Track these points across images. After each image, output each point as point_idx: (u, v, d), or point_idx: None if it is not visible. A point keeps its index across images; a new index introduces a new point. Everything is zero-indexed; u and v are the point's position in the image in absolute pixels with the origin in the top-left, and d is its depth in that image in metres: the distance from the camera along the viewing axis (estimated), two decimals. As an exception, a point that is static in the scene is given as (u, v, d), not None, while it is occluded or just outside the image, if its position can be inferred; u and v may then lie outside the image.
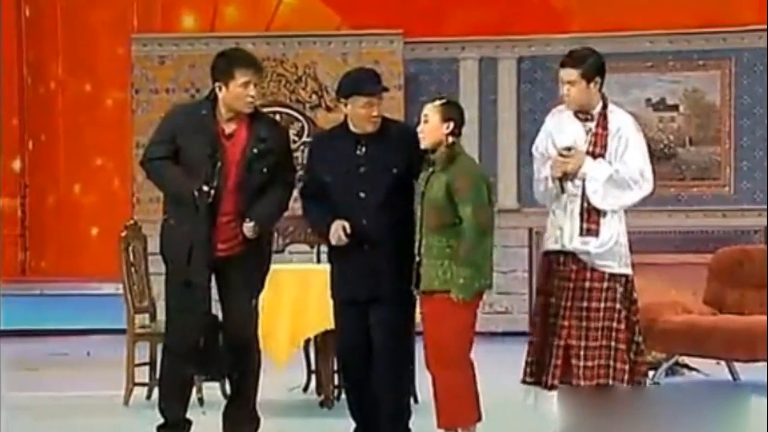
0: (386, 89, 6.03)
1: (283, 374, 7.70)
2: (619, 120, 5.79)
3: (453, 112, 5.81)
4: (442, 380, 5.74)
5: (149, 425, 6.18)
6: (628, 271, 5.78)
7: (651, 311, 8.23)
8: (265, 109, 12.06)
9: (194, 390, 7.25)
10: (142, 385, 7.71)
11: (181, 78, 11.99)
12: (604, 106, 5.81)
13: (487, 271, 5.73)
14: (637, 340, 5.77)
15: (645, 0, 12.09)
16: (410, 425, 6.09)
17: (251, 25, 12.88)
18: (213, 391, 7.54)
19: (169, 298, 6.07)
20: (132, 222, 8.20)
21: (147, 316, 7.95)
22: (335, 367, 7.62)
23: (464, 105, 6.09)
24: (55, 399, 8.18)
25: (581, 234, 5.72)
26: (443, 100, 5.90)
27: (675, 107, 11.96)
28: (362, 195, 5.92)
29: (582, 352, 5.68)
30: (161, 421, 6.13)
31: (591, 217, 5.72)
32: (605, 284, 5.71)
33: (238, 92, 5.91)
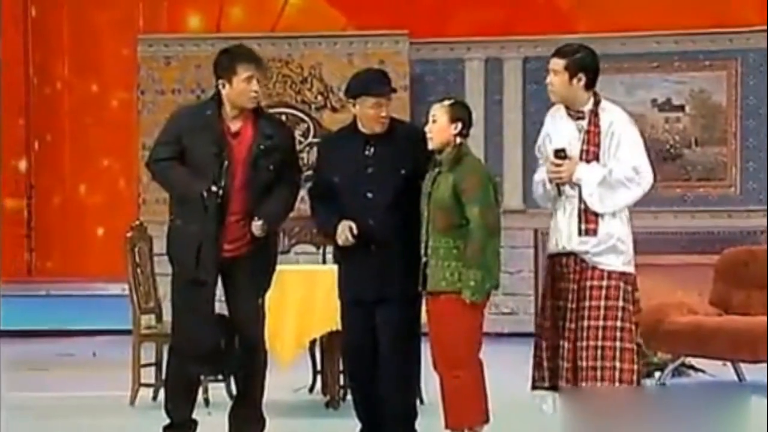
0: (394, 90, 6.04)
1: (288, 375, 7.71)
2: (611, 116, 5.73)
3: (461, 113, 5.81)
4: (450, 381, 5.74)
5: (155, 426, 6.19)
6: (631, 269, 5.73)
7: (657, 312, 8.22)
8: (271, 110, 12.13)
9: (201, 390, 7.30)
10: (148, 385, 7.72)
11: (187, 79, 12.00)
12: (596, 104, 5.75)
13: (496, 272, 5.73)
14: (637, 340, 5.74)
15: (651, 0, 12.09)
16: (416, 426, 6.09)
17: (257, 25, 12.89)
18: (219, 392, 7.55)
19: (176, 298, 6.06)
20: (138, 223, 8.21)
21: (153, 316, 7.95)
22: (341, 368, 7.63)
23: (470, 105, 6.08)
24: (61, 399, 8.19)
25: (579, 234, 5.70)
26: (451, 101, 5.89)
27: (681, 108, 11.94)
28: (369, 195, 5.93)
29: (585, 353, 5.64)
30: (167, 421, 6.13)
31: (589, 217, 5.69)
32: (605, 282, 5.66)
33: (242, 88, 5.91)
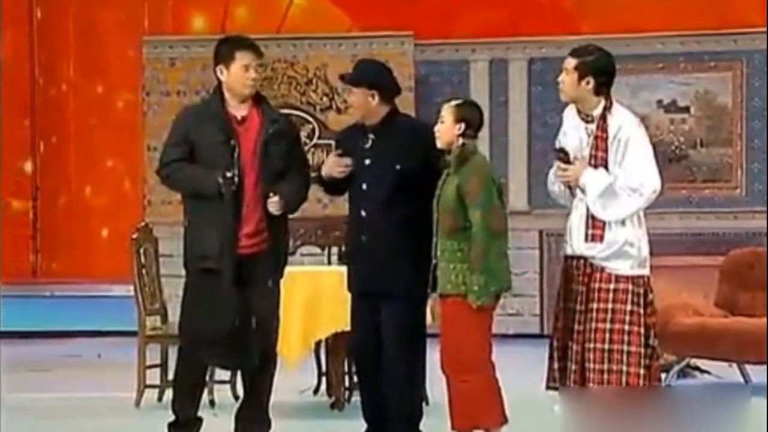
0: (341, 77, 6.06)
1: (293, 376, 7.70)
2: (618, 122, 5.68)
3: (466, 114, 5.78)
4: (458, 384, 5.71)
5: (160, 427, 6.19)
6: (643, 272, 5.68)
7: (662, 313, 8.17)
8: (276, 111, 12.18)
9: (206, 391, 7.30)
10: (154, 387, 7.72)
11: (192, 80, 12.00)
12: (606, 108, 5.71)
13: (503, 274, 5.69)
14: (652, 343, 5.70)
15: (656, 1, 12.08)
16: (421, 426, 6.08)
17: (262, 26, 12.88)
18: (224, 393, 7.55)
19: (192, 292, 5.99)
20: (143, 224, 8.21)
21: (158, 318, 7.96)
22: (346, 369, 7.63)
23: (475, 107, 6.05)
24: (66, 400, 8.19)
25: (586, 240, 5.68)
26: (460, 101, 5.87)
27: (686, 109, 11.93)
28: (364, 187, 5.96)
29: (592, 355, 5.63)
30: (172, 418, 6.13)
31: (596, 222, 5.65)
32: (613, 285, 5.63)
33: (240, 74, 5.97)
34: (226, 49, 6.03)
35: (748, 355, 8.17)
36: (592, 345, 5.63)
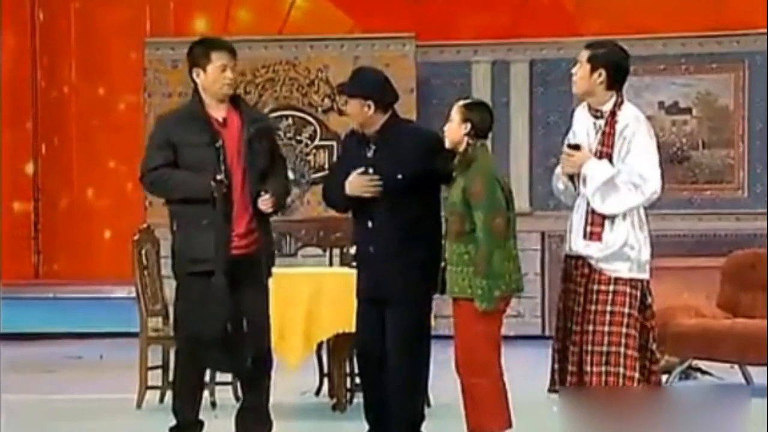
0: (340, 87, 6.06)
1: (295, 377, 7.70)
2: (626, 119, 5.66)
3: (473, 114, 5.74)
4: (468, 386, 5.71)
5: (162, 428, 6.18)
6: (642, 275, 5.65)
7: (664, 315, 8.19)
8: (278, 113, 12.19)
9: (207, 393, 7.30)
10: (155, 388, 7.72)
11: (194, 82, 11.99)
12: (616, 105, 5.69)
13: (511, 277, 5.65)
14: (651, 347, 5.69)
15: (658, 3, 12.08)
16: (423, 429, 6.08)
17: (264, 28, 12.89)
18: (225, 395, 7.55)
19: (185, 294, 6.01)
20: (145, 225, 8.21)
21: (160, 319, 7.95)
22: (347, 371, 7.63)
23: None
24: (68, 402, 8.19)
25: (584, 237, 5.66)
26: (469, 100, 5.84)
27: (688, 110, 11.93)
28: (366, 198, 5.93)
29: (590, 357, 5.62)
30: (174, 422, 6.13)
31: (595, 220, 5.62)
32: (611, 287, 5.61)
33: (216, 75, 5.97)
34: (201, 51, 6.02)
35: (750, 357, 8.16)
36: (590, 347, 5.62)
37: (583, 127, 5.74)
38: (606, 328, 5.61)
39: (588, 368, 5.61)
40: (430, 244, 5.85)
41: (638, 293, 5.65)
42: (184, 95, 12.03)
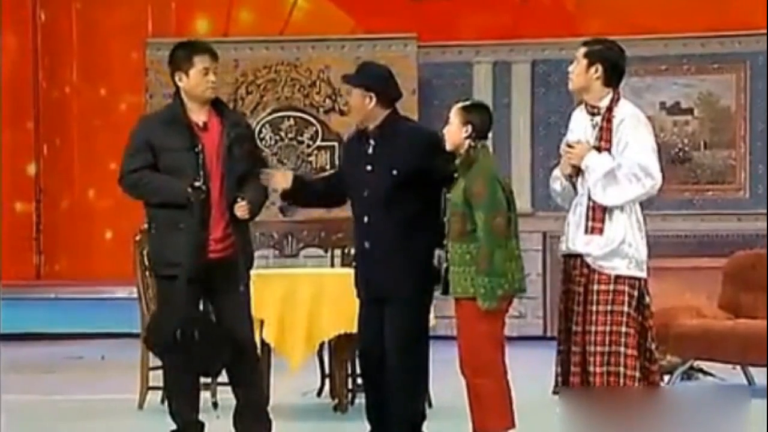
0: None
1: (296, 378, 7.70)
2: (623, 113, 5.68)
3: (473, 115, 5.74)
4: (472, 386, 5.71)
5: (163, 429, 6.19)
6: (640, 274, 5.67)
7: (665, 315, 8.20)
8: (279, 114, 12.20)
9: (209, 394, 7.30)
10: (156, 388, 7.71)
11: (195, 82, 11.99)
12: (613, 101, 5.71)
13: (513, 277, 5.64)
14: (649, 346, 5.70)
15: (659, 3, 12.08)
16: (425, 429, 6.07)
17: (265, 29, 12.89)
18: (227, 395, 7.54)
19: (161, 296, 6.07)
20: (145, 226, 8.19)
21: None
22: (349, 371, 7.62)
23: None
24: (70, 402, 8.19)
25: (585, 232, 5.66)
26: (467, 102, 5.84)
27: (689, 111, 11.93)
28: (365, 194, 5.95)
29: (592, 358, 5.62)
30: (174, 426, 6.13)
31: (596, 214, 5.64)
32: (611, 287, 5.62)
33: (199, 79, 5.96)
34: (183, 55, 6.01)
35: (752, 358, 8.15)
36: (593, 348, 5.63)
37: (581, 127, 5.76)
38: (607, 328, 5.62)
39: (591, 368, 5.62)
40: (427, 243, 5.84)
41: (636, 293, 5.67)
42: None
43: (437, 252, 5.85)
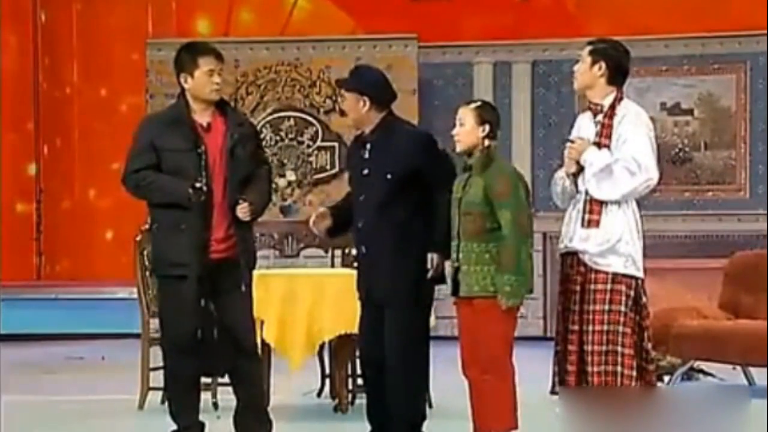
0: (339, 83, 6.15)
1: (297, 379, 7.71)
2: (624, 111, 5.71)
3: (489, 115, 5.74)
4: (477, 382, 5.69)
5: (163, 429, 6.19)
6: (637, 273, 5.68)
7: (666, 316, 8.20)
8: (279, 114, 12.21)
9: (210, 394, 7.30)
10: (157, 389, 7.71)
11: (196, 82, 11.99)
12: (616, 99, 5.73)
13: (530, 276, 5.65)
14: (646, 346, 5.70)
15: (660, 4, 12.08)
16: (425, 429, 6.07)
17: (266, 29, 12.90)
18: (227, 396, 7.54)
19: (162, 298, 6.08)
20: (146, 226, 8.20)
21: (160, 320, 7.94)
22: (349, 372, 7.63)
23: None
24: (70, 403, 8.19)
25: (582, 225, 5.68)
26: (478, 102, 5.82)
27: (690, 111, 11.94)
28: (361, 198, 5.97)
29: (590, 357, 5.63)
30: (174, 427, 6.13)
31: (593, 208, 5.66)
32: (609, 286, 5.64)
33: (204, 80, 5.96)
34: (188, 57, 6.01)
35: (753, 358, 8.15)
36: (590, 347, 5.64)
37: (585, 128, 5.77)
38: (604, 327, 5.64)
39: (588, 368, 5.63)
40: (422, 246, 5.84)
41: (633, 293, 5.68)
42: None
43: (429, 255, 5.85)
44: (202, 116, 5.99)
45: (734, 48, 11.84)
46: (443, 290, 5.92)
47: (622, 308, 5.64)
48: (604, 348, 5.62)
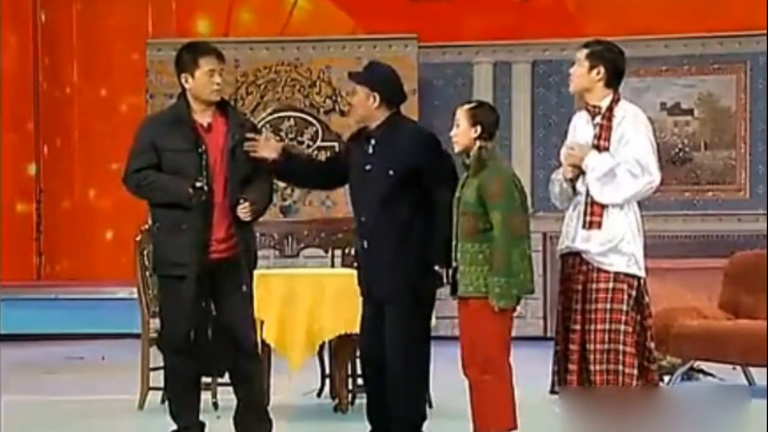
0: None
1: (297, 379, 7.71)
2: (623, 112, 5.72)
3: (482, 116, 5.73)
4: (476, 383, 5.70)
5: (164, 429, 6.19)
6: (638, 272, 5.69)
7: (666, 316, 8.20)
8: (279, 114, 12.20)
9: (210, 394, 7.31)
10: (157, 389, 7.71)
11: (196, 83, 11.99)
12: (614, 101, 5.74)
13: (525, 277, 5.64)
14: (648, 345, 5.71)
15: (660, 4, 12.08)
16: (425, 429, 6.07)
17: (266, 29, 12.90)
18: (227, 396, 7.55)
19: (161, 298, 6.09)
20: (146, 226, 8.20)
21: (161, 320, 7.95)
22: (349, 372, 7.63)
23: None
24: (70, 403, 8.19)
25: (584, 227, 5.68)
26: (473, 103, 5.83)
27: (690, 111, 11.94)
28: (363, 193, 5.98)
29: (592, 356, 5.63)
30: (174, 427, 6.13)
31: (594, 209, 5.68)
32: (611, 285, 5.64)
33: (205, 81, 5.96)
34: (189, 57, 6.01)
35: (753, 358, 8.15)
36: (592, 346, 5.64)
37: (582, 129, 5.78)
38: (606, 326, 5.65)
39: (591, 367, 5.64)
40: (423, 244, 5.84)
41: (635, 292, 5.69)
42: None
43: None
44: (202, 116, 6.00)
45: (734, 48, 11.84)
46: (443, 290, 5.93)
47: (624, 307, 5.64)
48: (605, 347, 5.63)
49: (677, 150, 11.84)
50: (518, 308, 5.70)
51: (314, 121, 12.06)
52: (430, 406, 6.95)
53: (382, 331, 5.94)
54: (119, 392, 8.26)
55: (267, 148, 6.04)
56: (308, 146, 12.05)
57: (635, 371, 5.62)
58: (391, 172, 5.88)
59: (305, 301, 7.37)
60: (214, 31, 13.21)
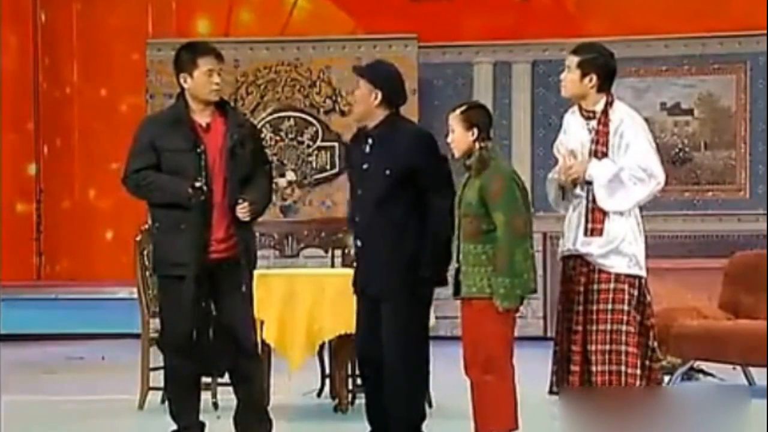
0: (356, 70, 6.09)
1: (297, 379, 7.71)
2: (620, 116, 5.72)
3: (476, 118, 5.73)
4: (478, 383, 5.69)
5: (163, 429, 6.19)
6: (640, 272, 5.70)
7: (666, 316, 8.20)
8: (279, 114, 12.21)
9: (210, 394, 7.31)
10: (157, 389, 7.71)
11: (196, 83, 11.99)
12: (608, 104, 5.74)
13: (529, 277, 5.64)
14: (651, 345, 5.71)
15: (659, 4, 12.08)
16: (424, 429, 6.07)
17: (266, 29, 12.90)
18: (227, 396, 7.55)
19: (162, 298, 6.09)
20: (146, 226, 8.20)
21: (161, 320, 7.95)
22: (349, 372, 7.63)
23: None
24: (70, 403, 8.19)
25: (585, 234, 5.69)
26: (463, 107, 5.82)
27: (690, 111, 11.94)
28: (359, 192, 5.98)
29: (594, 357, 5.64)
30: (174, 427, 6.13)
31: (596, 216, 5.68)
32: (612, 285, 5.65)
33: (203, 81, 5.96)
34: (187, 57, 6.01)
35: (753, 358, 8.15)
36: (594, 347, 5.64)
37: (576, 131, 5.78)
38: (608, 327, 5.64)
39: (593, 368, 5.63)
40: (416, 245, 5.84)
41: (636, 292, 5.69)
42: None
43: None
44: (201, 116, 6.00)
45: (734, 48, 11.84)
46: (444, 290, 5.92)
47: (626, 307, 5.65)
48: (607, 347, 5.63)
49: (677, 150, 11.83)
50: (520, 308, 5.70)
51: (314, 121, 12.06)
52: (430, 405, 6.95)
53: (378, 330, 5.94)
54: (119, 392, 8.26)
55: None
56: (308, 146, 12.06)
57: (638, 371, 5.63)
58: (387, 172, 5.88)
59: (305, 301, 7.37)
60: (214, 31, 13.21)
